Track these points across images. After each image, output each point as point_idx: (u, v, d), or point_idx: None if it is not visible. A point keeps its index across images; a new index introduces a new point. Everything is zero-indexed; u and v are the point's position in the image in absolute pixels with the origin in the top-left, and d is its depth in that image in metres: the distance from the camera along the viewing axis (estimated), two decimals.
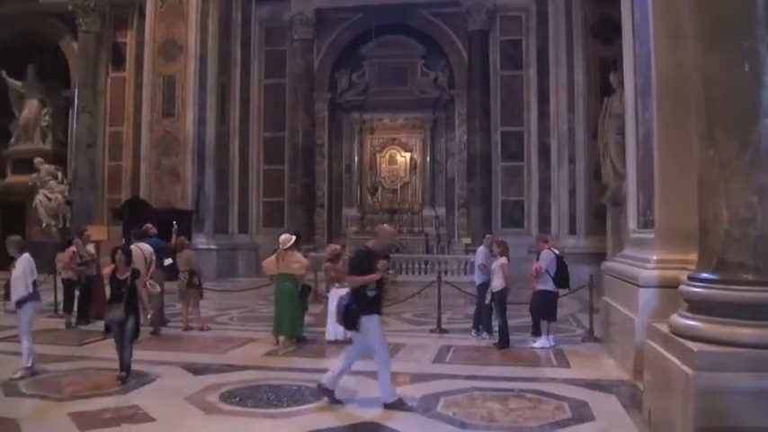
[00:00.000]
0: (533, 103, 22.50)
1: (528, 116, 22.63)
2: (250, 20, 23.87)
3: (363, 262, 6.65)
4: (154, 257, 11.34)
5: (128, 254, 7.97)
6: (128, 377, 7.38)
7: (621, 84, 10.96)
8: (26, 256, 8.08)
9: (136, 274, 7.86)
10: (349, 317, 6.68)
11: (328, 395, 6.60)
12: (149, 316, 8.57)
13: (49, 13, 24.23)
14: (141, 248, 11.23)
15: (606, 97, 15.96)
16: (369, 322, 6.56)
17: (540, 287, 10.01)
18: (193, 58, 21.30)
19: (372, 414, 6.26)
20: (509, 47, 22.94)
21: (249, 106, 23.81)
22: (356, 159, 24.36)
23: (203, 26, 21.51)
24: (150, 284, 10.69)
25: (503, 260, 10.00)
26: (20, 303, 7.91)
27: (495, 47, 22.93)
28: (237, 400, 6.78)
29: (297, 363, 8.80)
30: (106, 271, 8.12)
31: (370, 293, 6.59)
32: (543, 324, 9.99)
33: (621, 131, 11.86)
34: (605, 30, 17.86)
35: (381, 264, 6.55)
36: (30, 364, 7.80)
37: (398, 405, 6.39)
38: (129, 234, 13.23)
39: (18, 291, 7.91)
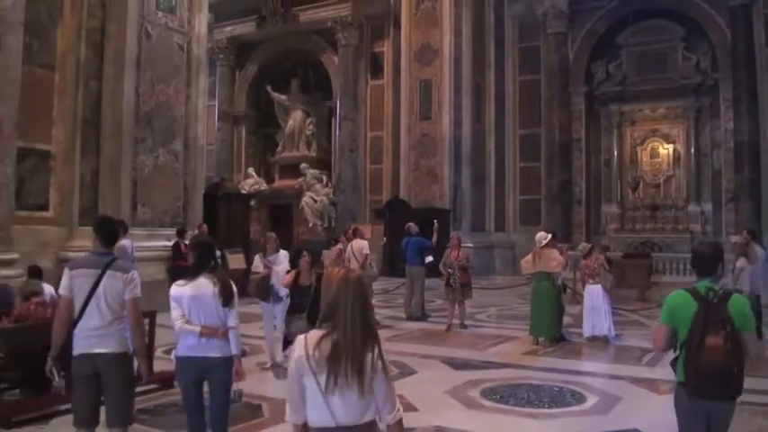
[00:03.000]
0: None
1: None
2: (503, 18, 23.88)
3: None
4: (367, 251, 11.93)
5: (314, 256, 7.12)
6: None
7: None
8: (286, 252, 8.39)
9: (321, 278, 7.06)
10: None
11: None
12: None
13: (309, 31, 26.07)
14: (355, 247, 11.86)
15: None
16: None
17: None
18: (448, 62, 21.78)
19: (636, 422, 5.98)
20: None
21: (504, 104, 23.81)
22: (615, 153, 23.30)
23: (457, 29, 21.92)
24: None
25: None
26: (279, 298, 8.12)
27: (759, 22, 20.62)
28: (498, 397, 6.79)
29: (557, 363, 8.64)
30: (286, 281, 7.19)
31: None
32: None
33: None
34: None
35: None
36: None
37: None
38: (393, 232, 13.84)
39: (282, 287, 8.03)
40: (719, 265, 3.91)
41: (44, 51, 12.23)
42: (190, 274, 4.50)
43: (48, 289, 7.61)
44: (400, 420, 2.77)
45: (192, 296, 4.38)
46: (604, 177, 23.55)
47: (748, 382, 3.94)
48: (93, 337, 4.25)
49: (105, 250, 4.45)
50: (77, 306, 4.30)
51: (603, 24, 23.10)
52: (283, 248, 8.62)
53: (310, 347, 2.66)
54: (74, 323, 4.30)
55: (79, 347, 4.28)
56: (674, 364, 3.87)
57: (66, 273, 4.41)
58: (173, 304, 4.43)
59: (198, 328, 4.34)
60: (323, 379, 2.63)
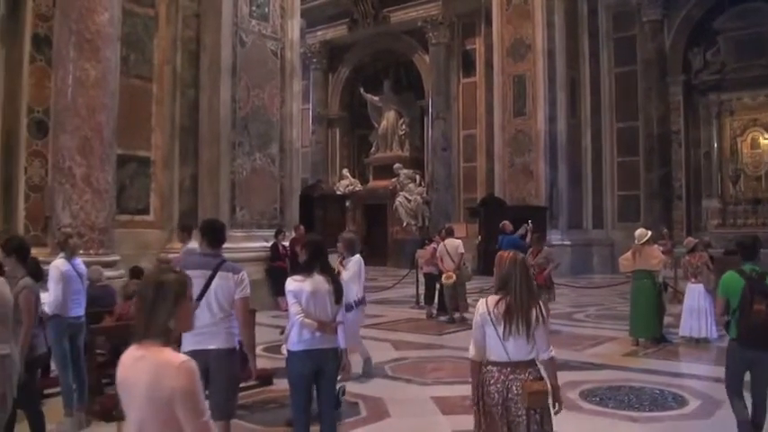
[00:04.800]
0: None
1: None
2: (596, 9, 23.21)
3: None
4: (462, 250, 11.95)
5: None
6: (338, 407, 5.90)
7: None
8: (358, 257, 7.48)
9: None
10: None
11: None
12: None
13: (400, 32, 26.19)
14: (449, 246, 11.87)
15: None
16: None
17: None
18: (541, 56, 21.41)
19: None
20: None
21: (600, 98, 23.16)
22: (715, 145, 22.30)
23: (549, 23, 21.52)
24: (446, 277, 11.21)
25: None
26: (349, 307, 6.87)
27: None
28: (598, 399, 6.67)
29: (658, 365, 8.40)
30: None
31: None
32: None
33: None
34: None
35: None
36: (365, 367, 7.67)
37: None
38: (488, 231, 13.71)
39: (350, 293, 6.82)
40: (758, 252, 5.22)
41: (141, 63, 12.72)
42: (304, 270, 4.71)
43: None
44: (553, 357, 3.82)
45: (311, 292, 4.62)
46: (704, 171, 22.57)
47: None
48: (204, 334, 4.44)
49: (213, 252, 4.68)
50: None
51: (699, 10, 22.16)
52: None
53: (490, 306, 3.71)
54: None
55: (189, 344, 4.39)
56: (726, 326, 5.12)
57: None
58: (291, 299, 4.63)
59: (316, 324, 4.56)
60: (500, 329, 3.66)
